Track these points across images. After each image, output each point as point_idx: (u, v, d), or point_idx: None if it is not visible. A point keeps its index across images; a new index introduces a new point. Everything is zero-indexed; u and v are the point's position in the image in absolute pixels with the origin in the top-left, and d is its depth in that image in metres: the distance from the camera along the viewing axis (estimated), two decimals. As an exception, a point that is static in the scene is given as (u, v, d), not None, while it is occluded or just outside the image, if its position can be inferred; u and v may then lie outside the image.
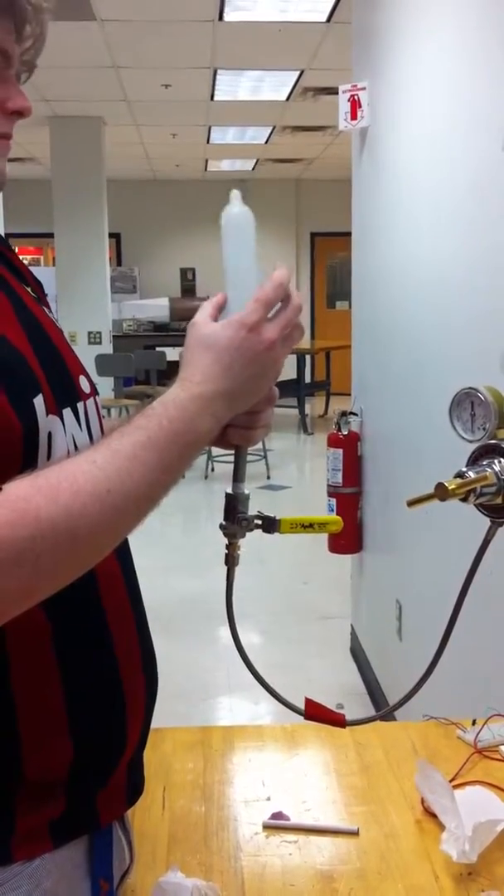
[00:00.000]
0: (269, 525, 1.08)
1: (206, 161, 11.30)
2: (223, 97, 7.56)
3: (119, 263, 12.97)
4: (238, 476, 1.07)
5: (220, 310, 0.98)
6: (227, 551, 1.11)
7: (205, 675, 4.02)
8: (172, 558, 5.78)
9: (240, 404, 0.95)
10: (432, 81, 2.82)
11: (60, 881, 0.93)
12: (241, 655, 1.13)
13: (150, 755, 1.41)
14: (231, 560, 1.12)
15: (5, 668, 0.89)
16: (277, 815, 1.37)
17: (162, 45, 6.04)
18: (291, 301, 0.98)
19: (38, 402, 0.89)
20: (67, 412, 0.95)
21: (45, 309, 1.05)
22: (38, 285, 1.08)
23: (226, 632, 4.93)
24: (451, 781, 1.36)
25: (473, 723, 1.59)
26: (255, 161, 11.30)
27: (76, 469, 0.81)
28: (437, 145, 2.76)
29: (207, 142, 9.80)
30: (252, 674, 1.14)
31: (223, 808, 1.40)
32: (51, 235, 9.00)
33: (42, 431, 0.88)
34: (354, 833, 1.33)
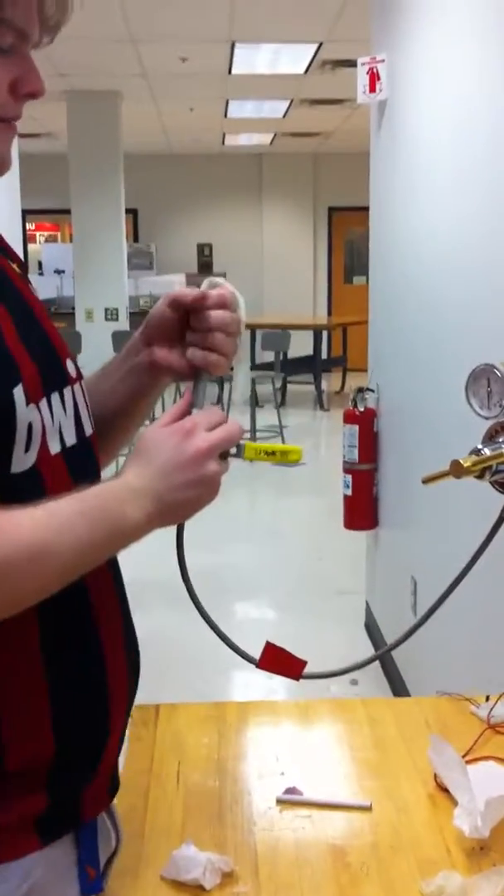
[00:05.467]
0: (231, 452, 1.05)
1: (224, 135, 11.22)
2: (241, 70, 7.50)
3: (136, 239, 12.93)
4: (197, 402, 1.04)
5: (179, 418, 0.99)
6: None
7: (218, 650, 4.02)
8: (186, 532, 5.79)
9: (172, 509, 0.95)
10: (452, 54, 2.78)
11: (48, 872, 0.93)
12: (187, 588, 1.13)
13: (164, 729, 1.42)
14: None
15: None
16: (291, 790, 1.37)
17: (179, 17, 5.98)
18: (229, 425, 1.00)
19: (18, 392, 0.88)
20: (55, 396, 0.94)
21: (30, 286, 1.03)
22: (21, 262, 1.06)
23: (241, 607, 4.98)
24: (463, 757, 1.36)
25: (487, 699, 1.59)
26: (272, 135, 11.21)
27: (16, 517, 0.83)
28: (456, 118, 2.73)
29: (225, 116, 9.73)
30: (198, 610, 1.13)
31: (237, 782, 1.41)
32: (68, 212, 8.97)
33: (20, 423, 0.88)
34: (367, 808, 1.34)
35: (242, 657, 1.13)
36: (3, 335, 0.89)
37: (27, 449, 0.89)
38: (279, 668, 1.12)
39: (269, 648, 1.11)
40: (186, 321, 1.07)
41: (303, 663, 1.11)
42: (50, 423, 0.92)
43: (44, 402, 0.92)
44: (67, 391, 0.98)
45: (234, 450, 1.00)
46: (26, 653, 0.90)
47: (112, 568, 1.02)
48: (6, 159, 0.94)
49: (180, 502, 0.95)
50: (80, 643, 0.96)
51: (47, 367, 0.94)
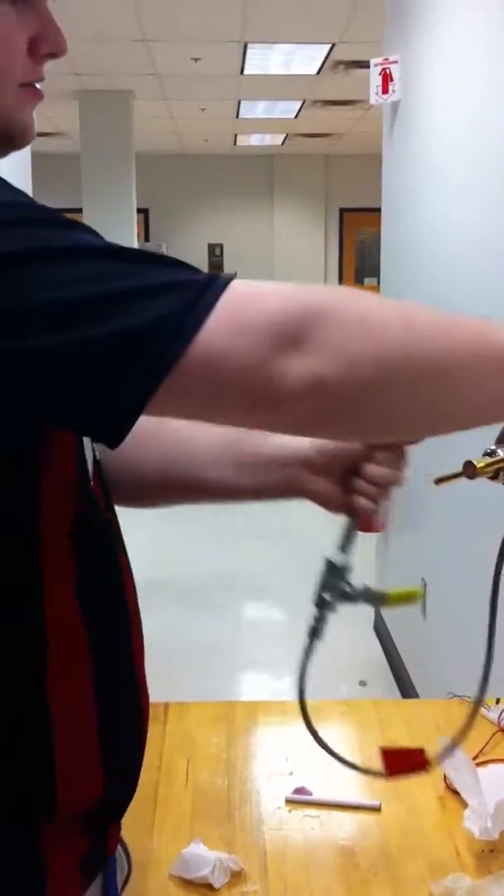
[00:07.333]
0: (375, 600, 1.03)
1: (236, 136, 11.22)
2: (253, 71, 7.49)
3: (147, 239, 12.94)
4: (347, 547, 1.01)
5: None
6: (314, 624, 1.02)
7: (229, 650, 4.04)
8: (198, 532, 5.79)
9: None
10: (465, 55, 2.78)
11: None
12: (313, 736, 1.03)
13: (173, 728, 1.42)
14: (317, 633, 1.02)
15: (44, 701, 0.83)
16: (300, 790, 1.37)
17: (192, 18, 5.99)
18: None
19: None
20: None
21: None
22: None
23: (250, 606, 4.97)
24: (473, 759, 1.36)
25: (497, 701, 1.58)
26: (284, 136, 11.21)
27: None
28: (469, 120, 2.72)
29: (237, 116, 9.73)
30: (320, 745, 1.05)
31: (246, 782, 1.41)
32: (79, 210, 8.98)
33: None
34: (377, 809, 1.33)
35: (368, 774, 1.05)
36: None
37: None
38: (406, 768, 1.04)
39: (386, 754, 1.02)
40: None
41: (421, 751, 1.02)
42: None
43: None
44: None
45: (374, 601, 0.99)
46: (80, 690, 0.85)
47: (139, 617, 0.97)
48: (30, 127, 0.84)
49: None
50: (126, 677, 0.91)
51: None
